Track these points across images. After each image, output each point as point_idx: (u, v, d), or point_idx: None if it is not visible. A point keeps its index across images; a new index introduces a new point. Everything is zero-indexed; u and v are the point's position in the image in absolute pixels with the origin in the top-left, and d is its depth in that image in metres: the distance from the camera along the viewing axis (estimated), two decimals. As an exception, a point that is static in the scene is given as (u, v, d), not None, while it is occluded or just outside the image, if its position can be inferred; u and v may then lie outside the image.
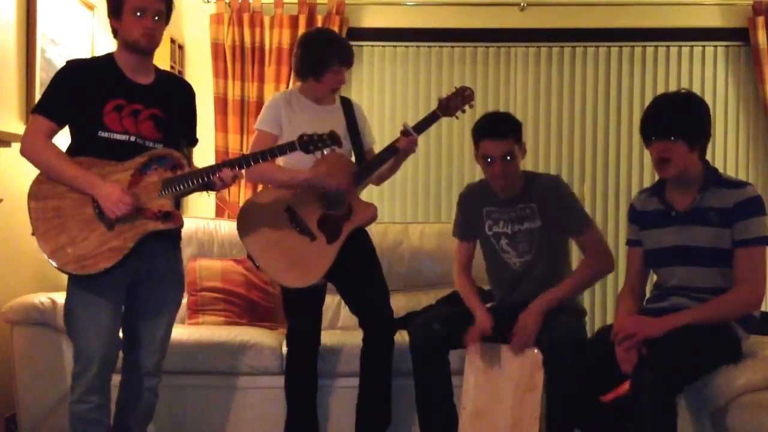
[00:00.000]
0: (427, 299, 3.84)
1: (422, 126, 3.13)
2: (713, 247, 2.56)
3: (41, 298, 3.20)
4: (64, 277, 2.55)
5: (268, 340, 3.42)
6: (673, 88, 4.76)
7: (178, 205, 2.64)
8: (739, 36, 4.74)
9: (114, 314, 2.53)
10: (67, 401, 2.57)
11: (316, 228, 3.03)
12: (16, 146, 2.78)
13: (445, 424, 2.98)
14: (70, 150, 2.56)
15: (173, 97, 2.68)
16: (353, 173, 3.09)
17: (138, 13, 2.51)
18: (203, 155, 3.90)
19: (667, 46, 4.85)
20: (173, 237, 2.70)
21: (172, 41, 4.51)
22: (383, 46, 4.87)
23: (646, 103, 2.78)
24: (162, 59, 4.13)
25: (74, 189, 2.47)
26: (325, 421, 3.34)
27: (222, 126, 4.62)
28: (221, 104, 4.63)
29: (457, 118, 3.22)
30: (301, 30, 4.46)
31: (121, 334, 2.65)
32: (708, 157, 2.70)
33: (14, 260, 3.33)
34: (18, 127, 3.31)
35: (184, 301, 3.73)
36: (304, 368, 3.17)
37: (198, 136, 2.84)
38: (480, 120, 3.02)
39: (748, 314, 2.58)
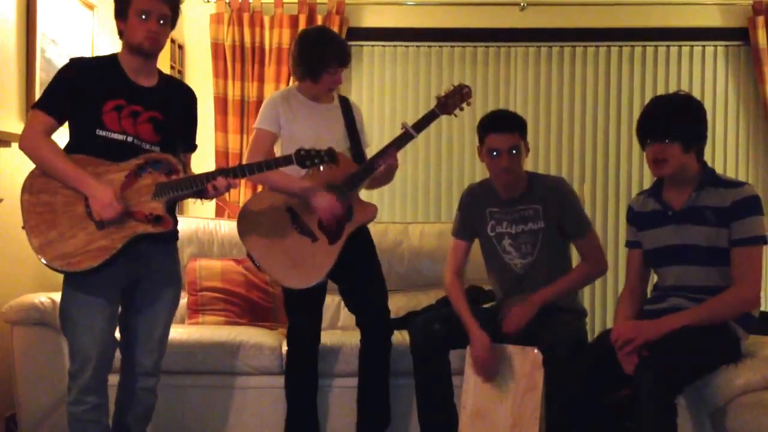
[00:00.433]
0: (427, 299, 3.84)
1: (421, 124, 3.13)
2: (710, 246, 2.57)
3: (41, 298, 3.20)
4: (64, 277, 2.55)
5: (268, 340, 3.42)
6: (673, 88, 4.77)
7: (171, 209, 2.64)
8: (739, 36, 4.75)
9: (109, 314, 2.53)
10: (66, 401, 2.57)
11: (317, 229, 3.03)
12: (16, 146, 2.78)
13: (445, 424, 2.98)
14: (69, 147, 2.56)
15: (174, 101, 2.68)
16: (350, 176, 3.07)
17: (143, 16, 2.51)
18: (203, 155, 3.90)
19: (667, 46, 4.85)
20: (170, 238, 2.69)
21: (172, 41, 4.51)
22: (383, 46, 4.87)
23: (647, 103, 2.78)
24: (162, 59, 4.10)
25: (68, 186, 2.47)
26: (325, 421, 3.34)
27: (222, 126, 4.62)
28: (221, 104, 4.63)
29: (455, 116, 3.22)
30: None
31: (119, 335, 2.65)
32: (708, 157, 2.71)
33: (14, 260, 3.33)
34: (18, 127, 3.31)
35: (184, 301, 3.73)
36: (304, 368, 3.17)
37: (198, 136, 2.83)
38: (486, 115, 3.05)
39: (746, 314, 2.58)
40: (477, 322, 2.91)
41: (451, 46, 4.86)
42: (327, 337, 3.37)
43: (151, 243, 2.57)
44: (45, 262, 2.43)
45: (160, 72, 2.69)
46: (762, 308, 2.71)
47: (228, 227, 4.06)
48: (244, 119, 4.61)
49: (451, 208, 4.77)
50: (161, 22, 2.54)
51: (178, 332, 3.22)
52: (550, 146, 4.90)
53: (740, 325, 2.58)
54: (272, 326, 3.76)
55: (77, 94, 2.51)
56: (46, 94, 2.57)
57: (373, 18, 4.81)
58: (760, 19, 4.59)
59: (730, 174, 4.66)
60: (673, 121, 2.56)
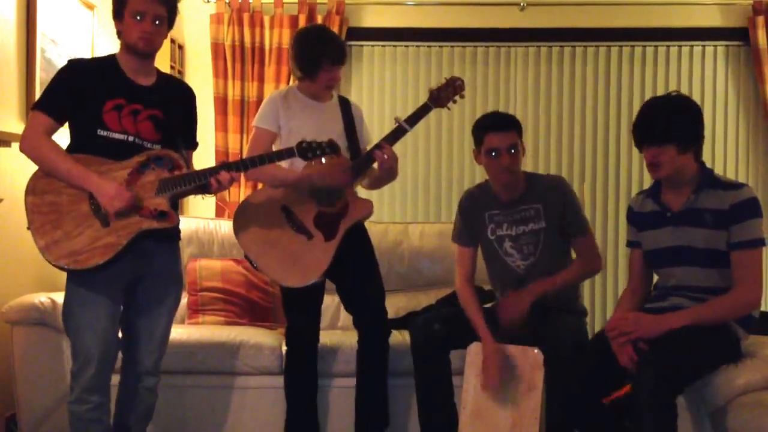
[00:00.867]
0: (427, 299, 3.84)
1: (414, 118, 3.10)
2: (707, 248, 2.57)
3: (41, 298, 3.20)
4: (64, 278, 2.55)
5: (268, 340, 3.42)
6: (673, 87, 4.77)
7: (175, 205, 2.64)
8: (739, 36, 4.75)
9: (112, 313, 2.53)
10: (67, 401, 2.57)
11: (313, 226, 3.02)
12: (16, 146, 2.79)
13: (446, 424, 2.98)
14: (70, 148, 2.57)
15: (173, 99, 2.68)
16: (348, 171, 3.07)
17: (137, 17, 2.52)
18: (203, 155, 3.90)
19: (667, 46, 4.85)
20: (172, 236, 2.70)
21: (172, 41, 4.51)
22: (383, 46, 4.87)
23: (641, 106, 2.78)
24: (162, 59, 4.13)
25: (71, 185, 2.47)
26: (324, 421, 3.34)
27: (222, 126, 4.62)
28: (221, 104, 4.63)
29: (449, 109, 3.20)
30: (301, 30, 4.47)
31: (120, 334, 2.65)
32: (708, 157, 2.71)
33: (14, 260, 3.34)
34: (18, 127, 3.31)
35: (184, 301, 3.73)
36: (303, 368, 3.17)
37: (198, 135, 2.84)
38: (481, 117, 3.04)
39: (747, 314, 2.59)
40: (490, 330, 2.90)
41: (451, 46, 4.86)
42: (327, 337, 3.37)
43: (155, 242, 2.57)
44: (51, 261, 2.43)
45: (158, 71, 2.70)
46: (762, 308, 2.71)
47: (228, 227, 4.06)
48: (244, 119, 4.61)
49: (451, 208, 4.77)
50: (156, 22, 2.54)
51: (178, 332, 3.22)
52: (550, 146, 4.90)
53: (740, 325, 2.58)
54: (272, 326, 3.76)
55: (77, 95, 2.52)
56: (45, 94, 2.57)
57: (373, 18, 4.81)
58: (760, 19, 4.59)
59: (730, 174, 4.66)
60: (668, 124, 2.55)
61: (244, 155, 3.20)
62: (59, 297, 2.89)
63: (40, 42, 3.52)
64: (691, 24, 4.78)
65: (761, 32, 4.58)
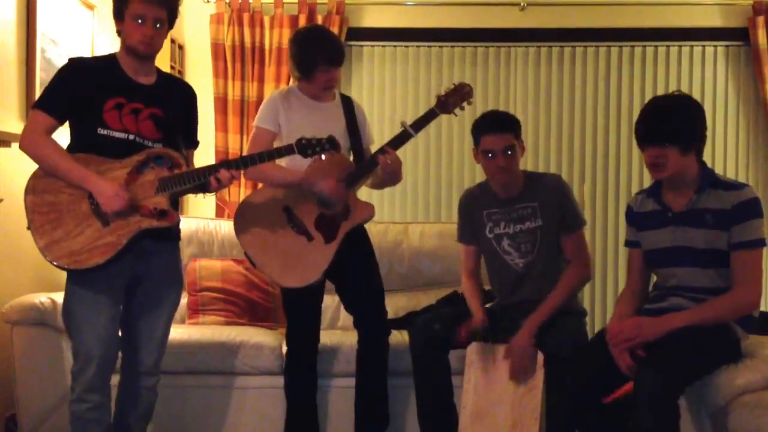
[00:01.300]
0: (427, 299, 3.84)
1: (420, 123, 3.12)
2: (709, 248, 2.56)
3: (41, 298, 3.20)
4: (64, 278, 2.55)
5: (268, 340, 3.42)
6: (673, 88, 4.74)
7: (175, 204, 2.64)
8: (739, 36, 4.75)
9: (112, 313, 2.53)
10: (67, 401, 2.58)
11: (314, 228, 3.02)
12: (16, 146, 2.79)
13: (445, 424, 2.99)
14: (70, 147, 2.57)
15: (174, 99, 2.69)
16: (349, 174, 3.07)
17: (138, 20, 2.52)
18: (203, 155, 3.90)
19: (667, 46, 4.85)
20: (172, 236, 2.70)
21: (172, 41, 4.51)
22: (383, 46, 4.87)
23: (644, 106, 2.78)
24: (162, 59, 4.12)
25: (70, 184, 2.47)
26: (324, 421, 3.34)
27: (222, 126, 4.62)
28: (221, 104, 4.63)
29: (455, 115, 3.21)
30: (302, 30, 4.46)
31: (120, 334, 2.65)
32: (708, 157, 2.70)
33: (14, 260, 3.34)
34: (18, 127, 3.31)
35: (184, 301, 3.73)
36: (303, 368, 3.17)
37: (198, 135, 2.84)
38: (480, 117, 3.05)
39: (747, 315, 2.58)
40: (482, 308, 2.97)
41: (451, 46, 4.86)
42: (327, 337, 3.37)
43: (155, 241, 2.57)
44: (51, 261, 2.43)
45: (158, 70, 2.70)
46: (762, 308, 2.71)
47: (228, 227, 4.06)
48: (244, 119, 4.61)
49: (451, 208, 4.77)
50: (157, 25, 2.55)
51: (178, 332, 3.22)
52: (550, 146, 4.89)
53: (740, 325, 2.58)
54: (272, 326, 3.76)
55: (77, 94, 2.52)
56: (45, 94, 2.58)
57: (373, 18, 4.80)
58: (760, 19, 4.59)
59: (730, 174, 4.65)
60: (671, 125, 2.55)
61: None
62: (59, 297, 2.89)
63: (40, 42, 3.52)
64: (692, 24, 4.78)
65: (761, 32, 4.58)
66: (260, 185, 3.28)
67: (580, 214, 3.06)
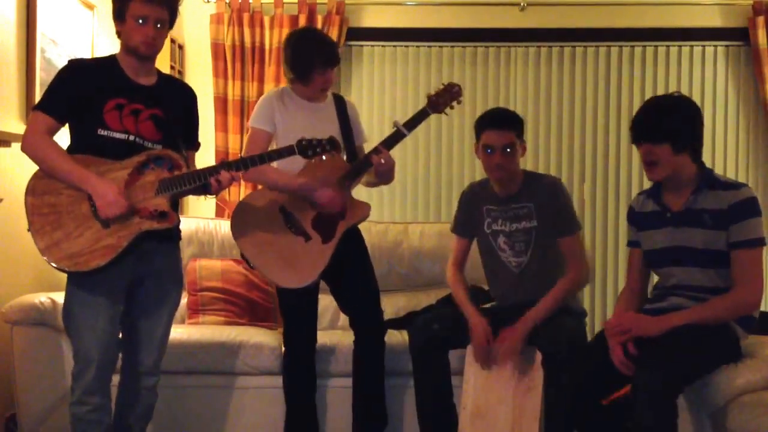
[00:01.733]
0: (427, 299, 3.84)
1: (413, 123, 3.13)
2: (707, 248, 2.57)
3: (41, 298, 3.20)
4: (64, 277, 2.55)
5: (268, 340, 3.42)
6: (673, 88, 4.77)
7: (175, 205, 2.64)
8: (739, 36, 4.74)
9: (112, 315, 2.53)
10: (67, 401, 2.57)
11: (311, 228, 3.03)
12: (16, 146, 2.79)
13: (445, 424, 2.99)
14: (71, 148, 2.57)
15: (174, 99, 2.69)
16: (343, 174, 3.08)
17: (140, 21, 2.51)
18: (204, 155, 3.89)
19: (667, 46, 4.84)
20: (173, 237, 2.70)
21: (172, 41, 4.51)
22: (383, 46, 4.87)
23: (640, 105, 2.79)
24: (162, 59, 4.12)
25: (71, 186, 2.47)
26: (324, 421, 3.34)
27: (222, 126, 4.62)
28: (221, 104, 4.63)
29: (446, 114, 3.23)
30: (301, 30, 4.46)
31: (119, 334, 2.65)
32: (708, 157, 2.71)
33: (14, 260, 3.34)
34: (18, 127, 3.31)
35: (184, 301, 3.73)
36: (301, 369, 3.17)
37: (199, 137, 2.83)
38: (484, 113, 3.08)
39: (746, 314, 2.58)
40: (476, 309, 2.96)
41: (451, 46, 4.86)
42: (326, 338, 3.38)
43: (155, 242, 2.57)
44: (51, 263, 2.43)
45: (159, 71, 2.70)
46: (763, 308, 2.71)
47: (228, 227, 4.03)
48: (244, 119, 4.60)
49: (451, 208, 4.75)
50: (158, 26, 2.54)
51: (178, 332, 3.22)
52: (550, 146, 4.89)
53: (740, 325, 2.58)
54: (272, 326, 3.76)
55: (77, 95, 2.52)
56: (46, 95, 2.58)
57: (373, 18, 4.80)
58: (760, 19, 4.59)
59: (730, 174, 4.65)
60: (662, 122, 2.56)
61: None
62: (59, 297, 2.89)
63: (40, 42, 3.52)
64: (691, 24, 4.78)
65: (761, 32, 4.58)
66: (260, 187, 3.28)
67: (575, 218, 3.06)
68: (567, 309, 2.97)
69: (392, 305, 3.84)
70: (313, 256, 2.99)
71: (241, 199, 4.44)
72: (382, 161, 3.03)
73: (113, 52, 2.67)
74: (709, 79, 4.85)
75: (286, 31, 4.55)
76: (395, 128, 3.11)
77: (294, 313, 3.15)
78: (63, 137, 2.58)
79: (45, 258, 2.43)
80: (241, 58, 4.63)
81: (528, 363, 2.86)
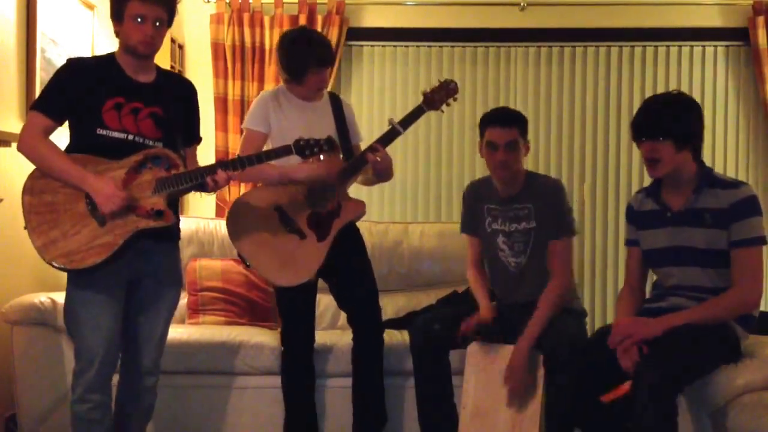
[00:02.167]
0: (427, 299, 3.84)
1: (408, 120, 3.14)
2: (708, 248, 2.57)
3: (41, 298, 3.20)
4: (64, 277, 2.55)
5: (268, 339, 3.42)
6: (673, 88, 4.74)
7: (174, 204, 2.64)
8: (739, 36, 4.74)
9: (113, 313, 2.53)
10: (67, 401, 2.58)
11: (306, 226, 3.03)
12: (16, 146, 2.78)
13: (446, 423, 2.99)
14: (70, 147, 2.57)
15: (174, 96, 2.68)
16: (339, 172, 3.07)
17: (138, 20, 2.51)
18: (203, 155, 3.89)
19: (667, 46, 4.85)
20: (172, 236, 2.70)
21: (172, 41, 4.51)
22: (383, 46, 4.87)
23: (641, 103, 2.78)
24: (162, 59, 4.12)
25: (67, 184, 2.47)
26: (323, 421, 3.34)
27: (222, 126, 4.62)
28: (221, 104, 4.63)
29: (442, 111, 3.24)
30: (302, 30, 4.46)
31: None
32: (708, 157, 2.71)
33: (14, 260, 3.33)
34: (18, 127, 3.30)
35: (184, 301, 3.73)
36: (299, 368, 3.17)
37: (200, 131, 2.84)
38: (489, 111, 3.08)
39: (746, 314, 2.58)
40: (489, 300, 2.99)
41: (451, 46, 4.86)
42: (326, 337, 3.38)
43: (154, 241, 2.57)
44: (48, 261, 2.43)
45: (157, 67, 2.69)
46: (762, 308, 2.71)
47: (228, 227, 4.06)
48: (244, 121, 4.60)
49: (451, 208, 4.77)
50: (157, 24, 2.54)
51: (178, 332, 3.22)
52: (550, 146, 4.89)
53: (740, 325, 2.58)
54: (272, 326, 3.76)
55: (75, 95, 2.52)
56: (43, 95, 2.58)
57: (373, 18, 4.80)
58: (760, 19, 4.59)
59: (730, 174, 4.65)
60: (665, 119, 2.56)
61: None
62: (59, 297, 2.89)
63: (40, 42, 3.52)
64: (692, 24, 4.78)
65: (761, 32, 4.58)
66: (259, 184, 3.28)
67: (571, 223, 3.03)
68: (567, 309, 2.97)
69: (392, 305, 3.84)
70: (308, 255, 2.99)
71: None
72: (378, 159, 3.03)
73: (111, 51, 2.67)
74: (709, 79, 4.85)
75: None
76: (390, 126, 3.11)
77: (292, 313, 3.15)
78: (63, 137, 2.58)
79: (41, 256, 2.43)
80: (241, 58, 4.63)
81: (528, 363, 2.85)
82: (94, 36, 4.04)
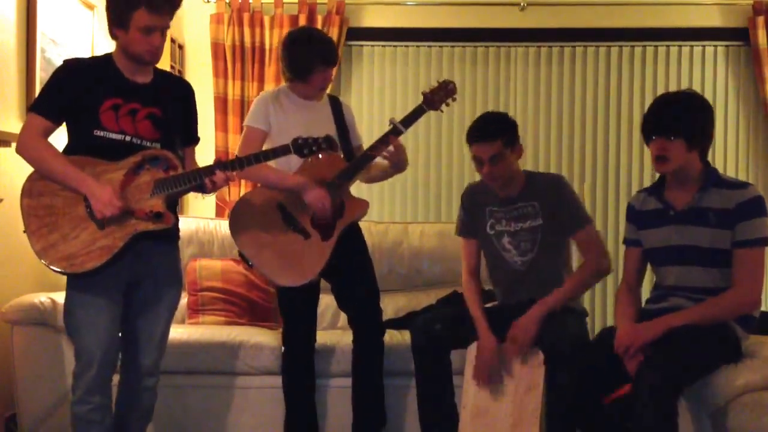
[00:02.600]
0: (427, 299, 3.84)
1: (409, 120, 3.14)
2: (711, 247, 2.56)
3: (41, 298, 3.20)
4: (64, 278, 2.55)
5: (268, 339, 3.42)
6: (673, 88, 4.76)
7: (173, 206, 2.64)
8: (739, 36, 4.75)
9: (112, 314, 2.53)
10: (67, 401, 2.58)
11: (310, 226, 3.03)
12: (15, 147, 2.78)
13: (445, 424, 2.99)
14: (67, 149, 2.56)
15: (172, 96, 2.67)
16: (341, 172, 3.07)
17: (147, 32, 2.49)
18: (203, 155, 3.89)
19: (667, 46, 4.85)
20: (172, 237, 2.70)
21: (172, 41, 4.51)
22: (383, 46, 4.87)
23: (646, 103, 2.79)
24: (162, 59, 4.11)
25: (66, 187, 2.47)
26: (323, 420, 3.34)
27: (222, 126, 4.62)
28: (221, 104, 4.63)
29: (442, 111, 3.24)
30: (302, 30, 4.46)
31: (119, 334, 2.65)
32: (708, 156, 2.70)
33: (14, 260, 3.33)
34: (18, 127, 3.30)
35: (184, 300, 3.73)
36: (300, 368, 3.17)
37: (199, 135, 2.83)
38: (472, 123, 3.04)
39: (747, 314, 2.58)
40: (488, 325, 2.92)
41: (451, 46, 4.86)
42: (326, 337, 3.38)
43: (153, 242, 2.56)
44: (48, 265, 2.43)
45: (155, 68, 2.68)
46: (763, 308, 2.70)
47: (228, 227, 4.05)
48: (244, 119, 4.60)
49: (451, 208, 4.77)
50: (163, 33, 2.54)
51: (178, 332, 3.22)
52: (551, 146, 4.90)
53: (740, 325, 2.58)
54: (272, 326, 3.76)
55: (72, 96, 2.50)
56: (41, 96, 2.57)
57: (373, 18, 4.81)
58: (760, 19, 4.59)
59: (730, 174, 4.65)
60: (678, 118, 2.55)
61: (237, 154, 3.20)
62: (59, 297, 2.89)
63: (40, 42, 3.52)
64: (692, 24, 4.78)
65: (761, 32, 4.58)
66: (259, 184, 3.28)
67: (584, 211, 3.03)
68: (568, 308, 2.96)
69: (392, 305, 3.84)
70: (313, 254, 2.99)
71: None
72: (392, 148, 3.05)
73: (109, 52, 2.66)
74: (709, 79, 4.86)
75: (286, 31, 4.55)
76: (391, 125, 3.12)
77: (293, 313, 3.15)
78: (61, 138, 2.58)
79: (41, 259, 2.43)
80: (241, 58, 4.63)
81: (529, 362, 2.85)
82: (94, 36, 4.04)
